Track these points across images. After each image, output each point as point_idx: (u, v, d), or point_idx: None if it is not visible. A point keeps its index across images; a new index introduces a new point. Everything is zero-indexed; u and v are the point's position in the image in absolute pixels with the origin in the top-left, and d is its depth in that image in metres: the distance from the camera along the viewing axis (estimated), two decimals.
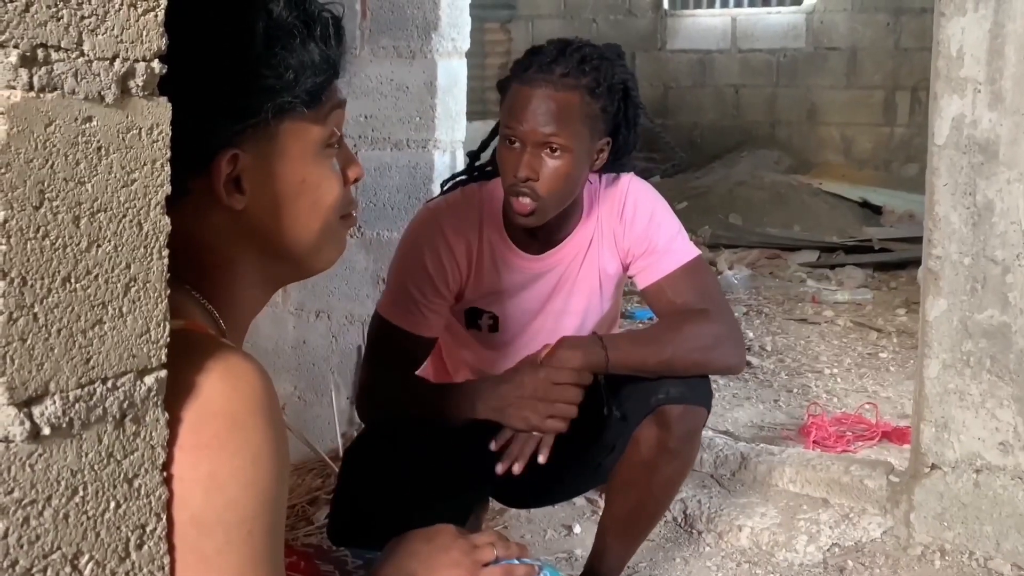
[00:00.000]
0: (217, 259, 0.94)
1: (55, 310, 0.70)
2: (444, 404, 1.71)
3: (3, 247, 0.66)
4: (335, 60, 0.96)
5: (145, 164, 0.75)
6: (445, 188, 1.90)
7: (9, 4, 0.65)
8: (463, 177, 1.90)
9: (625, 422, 1.76)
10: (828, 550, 2.33)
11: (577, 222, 1.81)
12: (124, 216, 0.74)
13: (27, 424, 0.68)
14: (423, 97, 2.70)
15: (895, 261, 5.78)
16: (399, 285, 1.78)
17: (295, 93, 0.92)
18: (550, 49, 1.68)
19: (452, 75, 2.76)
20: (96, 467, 0.73)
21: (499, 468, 1.64)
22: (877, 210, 6.93)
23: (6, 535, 0.68)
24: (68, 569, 0.72)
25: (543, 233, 1.78)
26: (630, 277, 1.85)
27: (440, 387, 1.82)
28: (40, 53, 0.67)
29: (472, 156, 1.93)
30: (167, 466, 0.79)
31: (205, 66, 0.87)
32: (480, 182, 1.85)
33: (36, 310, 0.69)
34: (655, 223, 1.80)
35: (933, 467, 2.24)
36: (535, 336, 1.85)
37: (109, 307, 0.74)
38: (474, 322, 1.86)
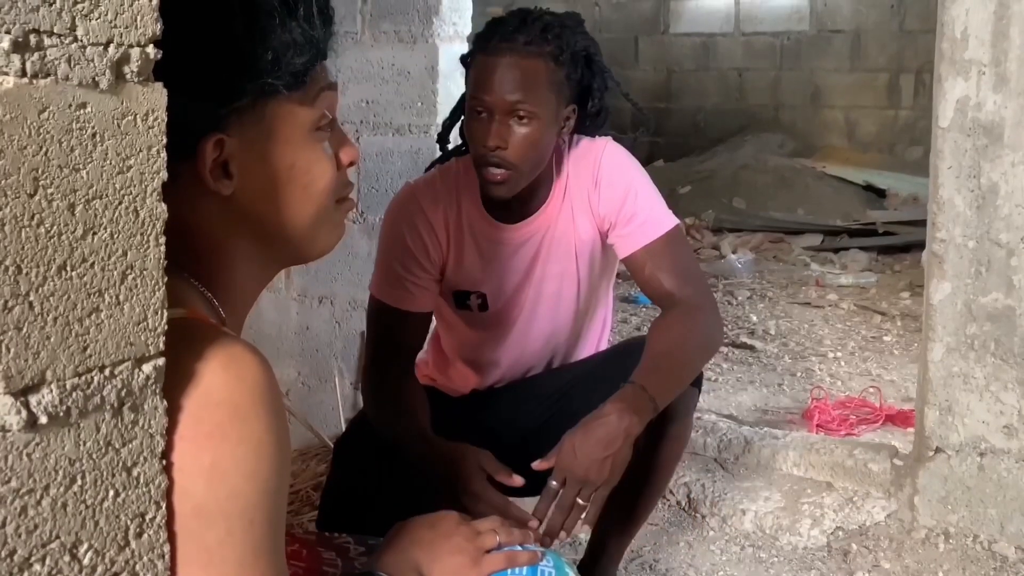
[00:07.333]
0: (212, 246, 0.93)
1: (51, 298, 0.69)
2: (422, 459, 1.63)
3: None
4: (319, 41, 0.93)
5: (141, 150, 0.75)
6: (426, 170, 1.92)
7: None
8: (441, 156, 1.91)
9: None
10: (832, 534, 2.32)
11: (550, 189, 1.81)
12: (120, 203, 0.74)
13: (24, 413, 0.68)
14: (425, 82, 2.69)
15: (899, 244, 5.77)
16: (383, 263, 1.82)
17: (277, 74, 0.90)
18: (512, 19, 1.68)
19: (454, 60, 2.74)
20: (94, 456, 0.73)
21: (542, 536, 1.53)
22: (881, 193, 6.91)
23: (4, 525, 0.68)
24: (67, 558, 0.72)
25: (517, 203, 1.78)
26: (609, 245, 1.84)
27: (425, 438, 1.69)
28: (33, 39, 0.66)
29: (441, 140, 1.92)
30: (167, 455, 0.79)
31: (184, 49, 0.85)
32: (458, 158, 1.86)
33: (32, 298, 0.68)
34: (632, 191, 1.78)
35: (937, 450, 2.24)
36: (523, 309, 1.85)
37: (106, 295, 0.73)
38: (463, 303, 1.86)
